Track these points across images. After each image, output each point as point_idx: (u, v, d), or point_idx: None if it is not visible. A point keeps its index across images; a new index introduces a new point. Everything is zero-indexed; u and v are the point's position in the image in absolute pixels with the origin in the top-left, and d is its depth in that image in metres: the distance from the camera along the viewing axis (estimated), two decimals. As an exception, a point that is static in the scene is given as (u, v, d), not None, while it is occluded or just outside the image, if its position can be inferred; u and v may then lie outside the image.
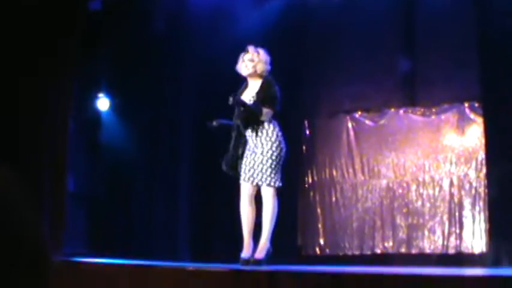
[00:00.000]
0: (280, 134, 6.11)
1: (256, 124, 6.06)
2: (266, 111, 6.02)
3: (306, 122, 10.24)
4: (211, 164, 8.33)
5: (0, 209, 1.17)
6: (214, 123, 6.44)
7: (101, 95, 10.34)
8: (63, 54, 8.31)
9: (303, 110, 10.00)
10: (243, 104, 6.00)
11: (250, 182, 6.06)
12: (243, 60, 6.26)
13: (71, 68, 8.46)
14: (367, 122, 9.94)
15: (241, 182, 6.13)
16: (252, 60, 6.23)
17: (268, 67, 6.27)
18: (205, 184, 9.67)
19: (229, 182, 6.86)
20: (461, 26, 8.71)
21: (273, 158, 6.01)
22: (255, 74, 6.24)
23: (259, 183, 6.03)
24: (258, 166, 6.02)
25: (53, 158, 8.14)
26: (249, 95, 6.18)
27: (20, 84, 8.04)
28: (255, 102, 6.06)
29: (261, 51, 6.29)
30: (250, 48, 6.29)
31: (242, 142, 6.20)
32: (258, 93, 6.12)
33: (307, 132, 10.22)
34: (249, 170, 6.05)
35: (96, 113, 10.37)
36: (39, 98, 8.12)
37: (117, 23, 9.63)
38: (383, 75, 9.49)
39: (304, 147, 10.22)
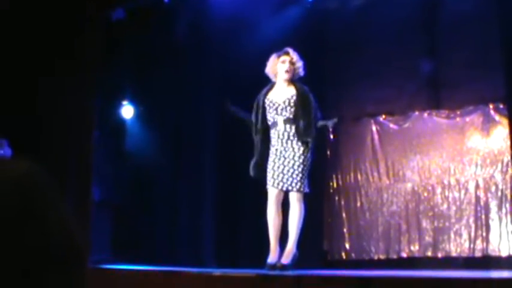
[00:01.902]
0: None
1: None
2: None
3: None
4: (236, 169, 8.35)
5: (41, 206, 1.18)
6: (233, 108, 6.42)
7: (125, 102, 10.40)
8: (86, 64, 8.40)
9: (326, 114, 9.94)
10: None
11: (279, 187, 5.95)
12: (283, 62, 6.13)
13: (94, 77, 8.54)
14: (392, 125, 9.90)
15: (269, 187, 6.01)
16: (293, 64, 6.14)
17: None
18: (230, 189, 9.65)
19: (253, 187, 6.85)
20: (485, 27, 8.64)
21: (304, 163, 5.92)
22: (290, 78, 6.17)
23: (289, 188, 5.92)
24: (288, 171, 5.91)
25: (78, 167, 8.21)
26: (281, 98, 6.08)
27: (45, 95, 8.14)
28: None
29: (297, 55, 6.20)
30: (291, 51, 6.17)
31: (267, 146, 6.13)
32: (296, 103, 6.01)
33: (332, 136, 10.18)
34: (278, 176, 5.94)
35: (121, 120, 10.43)
36: (65, 107, 8.20)
37: (140, 31, 9.67)
38: (406, 78, 9.45)
39: (328, 152, 10.18)
